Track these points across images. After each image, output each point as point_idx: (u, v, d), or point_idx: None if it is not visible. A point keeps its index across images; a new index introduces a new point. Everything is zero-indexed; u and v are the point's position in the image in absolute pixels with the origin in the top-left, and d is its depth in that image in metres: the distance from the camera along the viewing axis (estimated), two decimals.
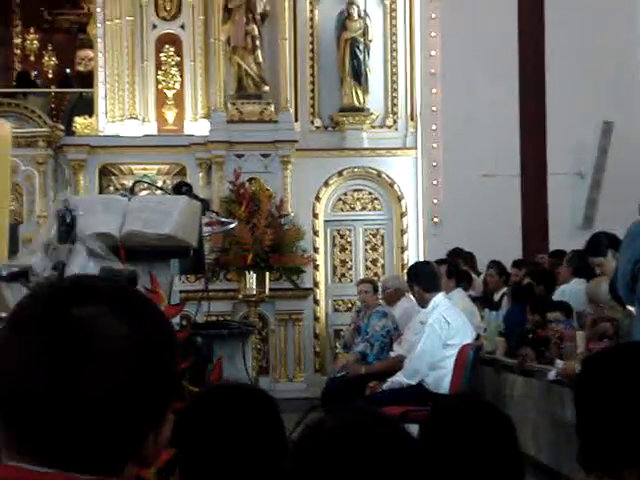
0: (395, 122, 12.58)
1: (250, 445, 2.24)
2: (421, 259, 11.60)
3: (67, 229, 3.35)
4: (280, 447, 2.24)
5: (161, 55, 12.26)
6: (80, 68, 14.32)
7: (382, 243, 12.57)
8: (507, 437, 2.41)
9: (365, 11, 12.32)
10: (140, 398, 1.28)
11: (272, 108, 12.06)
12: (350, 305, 11.97)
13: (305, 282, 11.97)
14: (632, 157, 11.93)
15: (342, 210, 12.59)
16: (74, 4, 15.36)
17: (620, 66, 12.13)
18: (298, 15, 12.41)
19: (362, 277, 11.35)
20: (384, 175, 12.46)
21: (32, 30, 15.76)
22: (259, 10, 12.05)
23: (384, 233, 12.57)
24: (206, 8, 12.13)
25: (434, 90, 12.26)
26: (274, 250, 11.29)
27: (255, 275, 11.13)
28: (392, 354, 8.31)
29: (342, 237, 12.57)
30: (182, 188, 4.90)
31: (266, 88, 12.13)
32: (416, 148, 12.46)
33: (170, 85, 12.26)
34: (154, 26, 12.28)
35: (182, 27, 12.29)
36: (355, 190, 12.58)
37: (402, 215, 12.47)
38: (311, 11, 12.51)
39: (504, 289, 9.77)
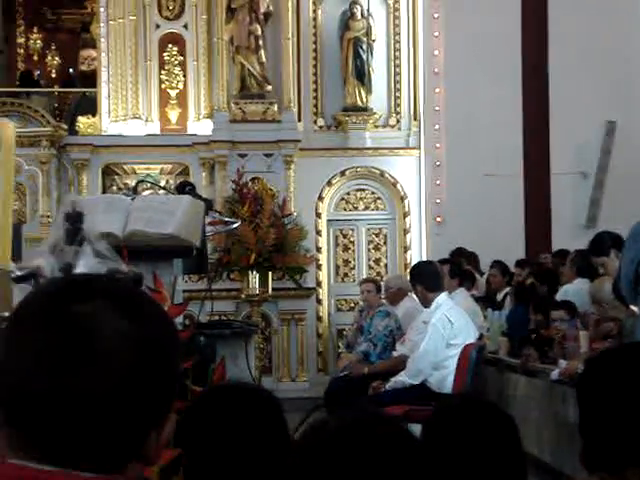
0: (398, 122, 12.58)
1: (253, 445, 2.24)
2: (424, 259, 11.60)
3: (75, 231, 3.35)
4: (283, 447, 2.24)
5: (164, 55, 12.27)
6: (83, 68, 14.33)
7: (385, 243, 12.57)
8: (510, 437, 2.41)
9: (368, 11, 12.32)
10: (141, 396, 1.28)
11: (275, 108, 12.07)
12: (353, 305, 11.97)
13: (308, 282, 11.98)
14: (635, 157, 11.93)
15: (345, 210, 12.60)
16: (77, 4, 15.36)
17: (623, 66, 12.13)
18: (301, 15, 12.42)
19: (365, 277, 11.34)
20: (387, 175, 12.46)
21: (35, 30, 15.78)
22: (262, 10, 12.06)
23: (387, 233, 12.57)
24: (209, 8, 12.13)
25: (437, 90, 12.26)
26: (277, 250, 11.31)
27: (258, 275, 11.15)
28: (395, 354, 8.31)
29: (345, 237, 12.58)
30: (185, 188, 4.90)
31: (269, 88, 12.14)
32: (419, 148, 12.46)
33: (173, 85, 12.27)
34: (157, 26, 12.28)
35: (185, 27, 12.29)
36: (358, 190, 12.59)
37: (405, 215, 12.47)
38: (314, 11, 12.52)
39: (507, 289, 9.77)
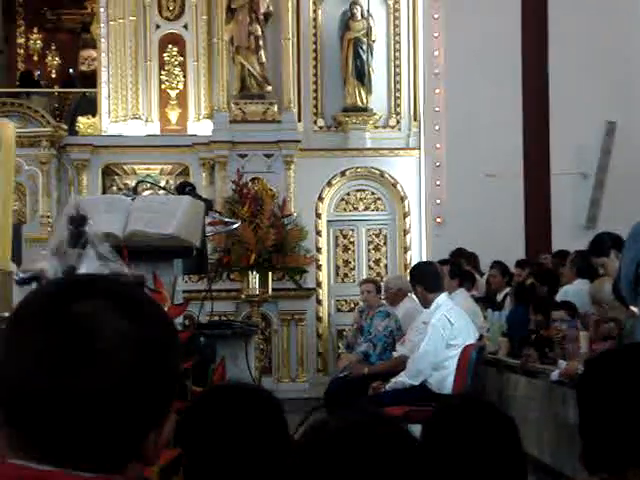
0: (398, 122, 12.58)
1: (253, 445, 2.24)
2: (424, 259, 11.61)
3: (78, 233, 3.36)
4: (283, 447, 2.24)
5: (164, 55, 12.27)
6: (83, 68, 14.33)
7: (385, 243, 12.57)
8: (510, 438, 2.41)
9: (368, 11, 12.31)
10: (141, 396, 1.28)
11: (275, 108, 12.07)
12: (353, 305, 11.97)
13: (308, 282, 11.98)
14: (635, 157, 11.92)
15: (345, 210, 12.60)
16: (77, 4, 15.37)
17: (623, 66, 12.12)
18: (301, 15, 12.42)
19: (365, 277, 11.34)
20: (387, 175, 12.46)
21: (35, 30, 15.78)
22: (262, 10, 12.06)
23: (387, 233, 12.57)
24: (209, 8, 12.13)
25: (437, 90, 12.27)
26: (277, 250, 11.31)
27: (258, 275, 11.15)
28: (395, 354, 8.31)
29: (345, 237, 12.58)
30: (185, 188, 4.91)
31: (269, 88, 12.14)
32: (419, 148, 12.46)
33: (173, 85, 12.27)
34: (157, 26, 12.28)
35: (185, 27, 12.29)
36: (358, 190, 12.59)
37: (405, 215, 12.47)
38: (314, 11, 12.51)
39: (507, 289, 9.77)
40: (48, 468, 1.26)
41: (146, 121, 12.16)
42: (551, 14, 12.00)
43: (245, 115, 12.07)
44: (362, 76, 12.30)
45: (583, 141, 12.03)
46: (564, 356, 7.19)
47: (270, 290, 11.29)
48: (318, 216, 12.42)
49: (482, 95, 11.82)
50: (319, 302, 12.32)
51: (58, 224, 4.11)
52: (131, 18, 12.12)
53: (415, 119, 12.51)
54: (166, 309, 3.42)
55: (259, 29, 12.01)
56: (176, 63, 12.28)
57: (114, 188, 11.93)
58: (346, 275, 12.54)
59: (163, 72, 12.25)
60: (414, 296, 8.28)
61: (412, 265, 10.61)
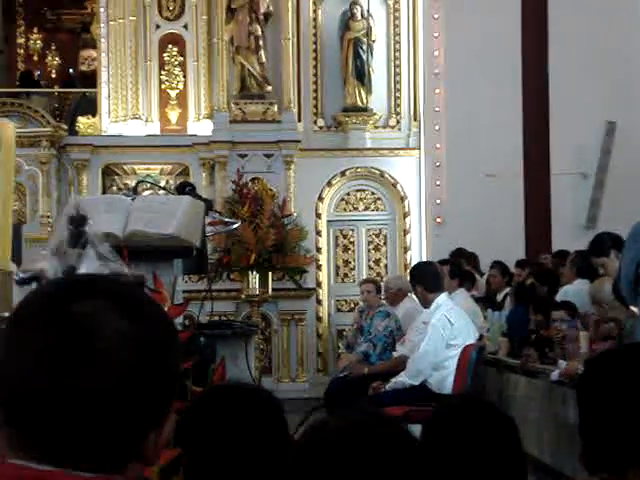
0: (398, 122, 12.58)
1: (253, 445, 2.24)
2: (424, 259, 11.61)
3: (78, 233, 3.36)
4: (283, 447, 2.24)
5: (164, 55, 12.27)
6: (83, 68, 14.33)
7: (385, 243, 12.57)
8: (510, 438, 2.41)
9: (368, 11, 12.31)
10: (141, 396, 1.28)
11: (275, 108, 12.07)
12: (353, 305, 11.97)
13: (308, 282, 11.98)
14: (635, 157, 11.92)
15: (345, 210, 12.59)
16: (77, 4, 15.37)
17: (623, 66, 12.12)
18: (301, 15, 12.42)
19: (365, 277, 11.34)
20: (387, 175, 12.46)
21: (35, 30, 15.78)
22: (262, 10, 12.06)
23: (387, 233, 12.57)
24: (209, 8, 12.13)
25: (437, 90, 12.27)
26: (277, 250, 11.31)
27: (258, 275, 11.15)
28: (395, 354, 8.31)
29: (345, 237, 12.58)
30: (185, 188, 4.91)
31: (269, 88, 12.14)
32: (419, 148, 12.46)
33: (173, 85, 12.27)
34: (157, 26, 12.28)
35: (185, 27, 12.29)
36: (358, 190, 12.59)
37: (405, 215, 12.47)
38: (314, 11, 12.51)
39: (507, 289, 9.77)
40: (48, 468, 1.26)
41: (146, 121, 12.16)
42: (551, 14, 12.00)
43: (245, 115, 12.07)
44: (362, 76, 12.30)
45: (583, 141, 12.03)
46: (564, 356, 7.19)
47: (270, 290, 11.29)
48: (318, 216, 12.42)
49: (482, 95, 11.82)
50: (319, 302, 12.32)
51: (58, 224, 4.11)
52: (131, 18, 12.13)
53: (415, 119, 12.51)
54: (166, 309, 3.42)
55: (259, 29, 12.01)
56: (176, 63, 12.28)
57: (114, 188, 11.93)
58: (346, 275, 12.54)
59: (163, 72, 12.25)
60: (414, 296, 8.28)
61: (412, 265, 10.61)
